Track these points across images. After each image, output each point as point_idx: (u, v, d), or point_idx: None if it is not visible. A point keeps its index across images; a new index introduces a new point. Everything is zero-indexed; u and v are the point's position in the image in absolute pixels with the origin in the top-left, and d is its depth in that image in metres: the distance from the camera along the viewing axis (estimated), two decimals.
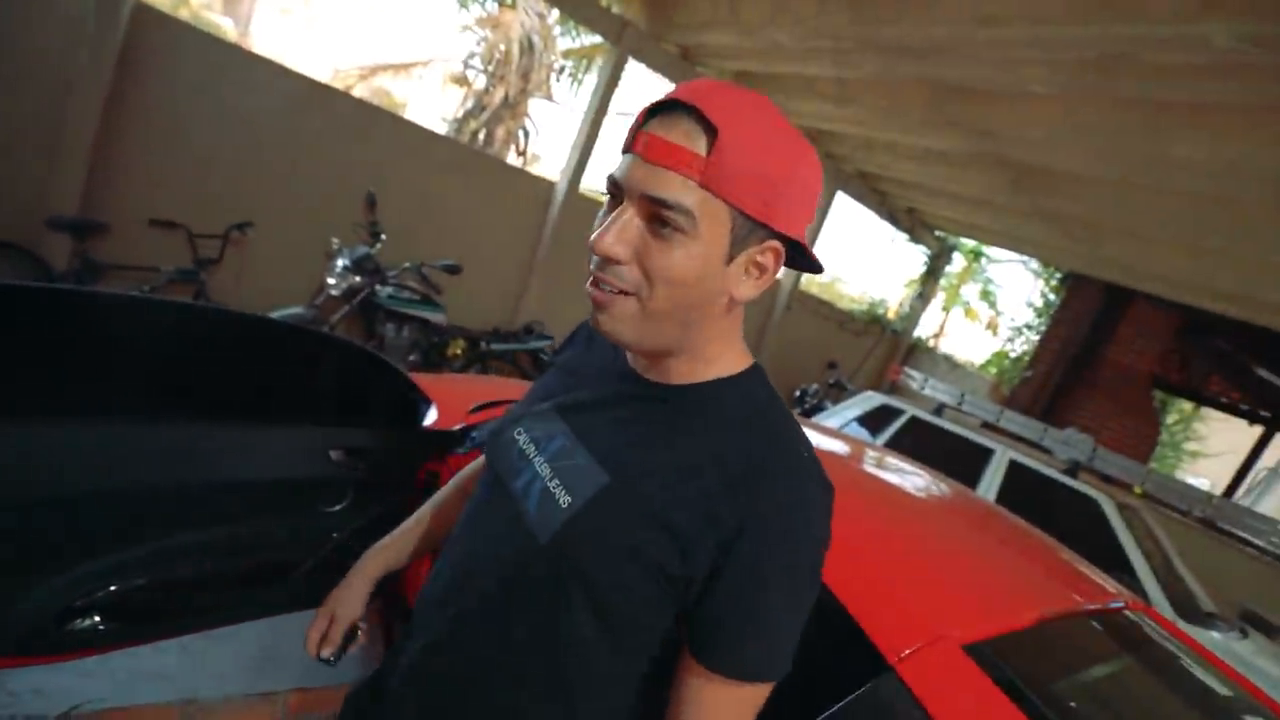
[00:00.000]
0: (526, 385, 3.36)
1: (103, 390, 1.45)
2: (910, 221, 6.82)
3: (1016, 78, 2.90)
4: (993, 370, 7.63)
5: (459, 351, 4.06)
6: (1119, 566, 3.23)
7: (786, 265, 0.65)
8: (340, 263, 3.50)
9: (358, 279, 3.50)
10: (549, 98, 7.65)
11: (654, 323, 0.60)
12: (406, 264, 3.66)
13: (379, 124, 3.82)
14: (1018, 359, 7.13)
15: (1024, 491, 3.69)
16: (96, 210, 3.11)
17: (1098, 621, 1.33)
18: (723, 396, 0.65)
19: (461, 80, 7.48)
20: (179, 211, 3.26)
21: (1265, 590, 4.91)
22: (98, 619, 1.28)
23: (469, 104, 7.25)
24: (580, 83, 8.14)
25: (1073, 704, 1.06)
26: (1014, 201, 4.66)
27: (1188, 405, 10.05)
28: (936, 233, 7.23)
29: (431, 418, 2.00)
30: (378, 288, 3.56)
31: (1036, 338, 7.08)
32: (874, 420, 4.43)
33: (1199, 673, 1.41)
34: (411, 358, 3.80)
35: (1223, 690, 1.37)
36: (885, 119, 4.21)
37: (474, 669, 0.67)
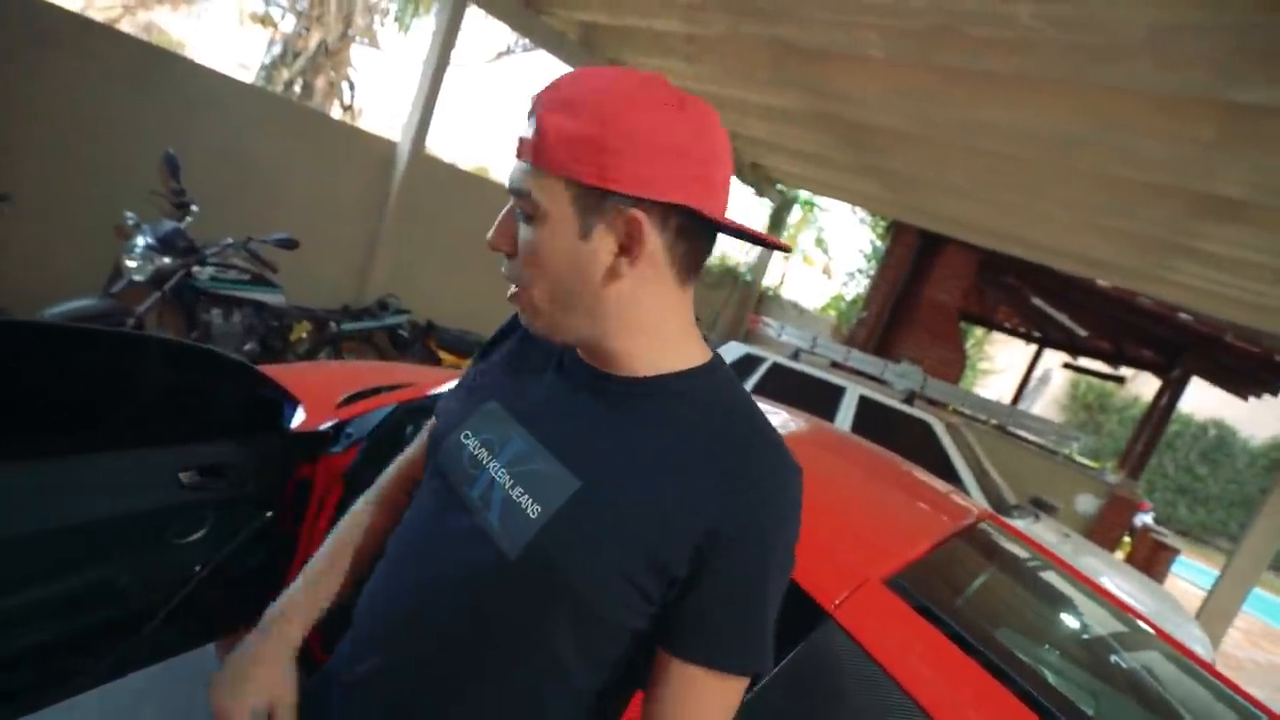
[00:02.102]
0: (394, 367, 3.09)
1: None
2: (755, 176, 7.16)
3: (854, 41, 3.09)
4: (832, 313, 8.38)
5: (304, 335, 3.63)
6: (948, 476, 3.76)
7: (730, 234, 0.61)
8: (141, 241, 2.93)
9: (167, 260, 2.96)
10: (375, 44, 6.90)
11: (553, 314, 0.60)
12: (229, 240, 3.15)
13: (171, 70, 3.19)
14: (853, 301, 7.89)
15: (872, 421, 4.12)
16: None
17: (967, 537, 1.52)
18: (687, 389, 0.62)
19: (265, 20, 6.49)
20: None
21: (1042, 478, 6.02)
22: None
23: (276, 48, 6.32)
24: (407, 27, 7.42)
25: (975, 617, 1.20)
26: (847, 157, 5.05)
27: (979, 331, 11.83)
28: (778, 186, 7.67)
29: (299, 418, 1.77)
30: (195, 269, 3.04)
31: (867, 281, 7.86)
32: (738, 369, 4.67)
33: (1041, 565, 1.68)
34: (248, 346, 3.34)
35: (1058, 577, 1.65)
36: (734, 77, 4.31)
37: (442, 696, 0.63)
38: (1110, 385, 13.67)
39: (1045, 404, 14.16)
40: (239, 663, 0.71)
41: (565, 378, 0.67)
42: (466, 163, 4.69)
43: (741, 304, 8.13)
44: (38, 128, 2.84)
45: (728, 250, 8.22)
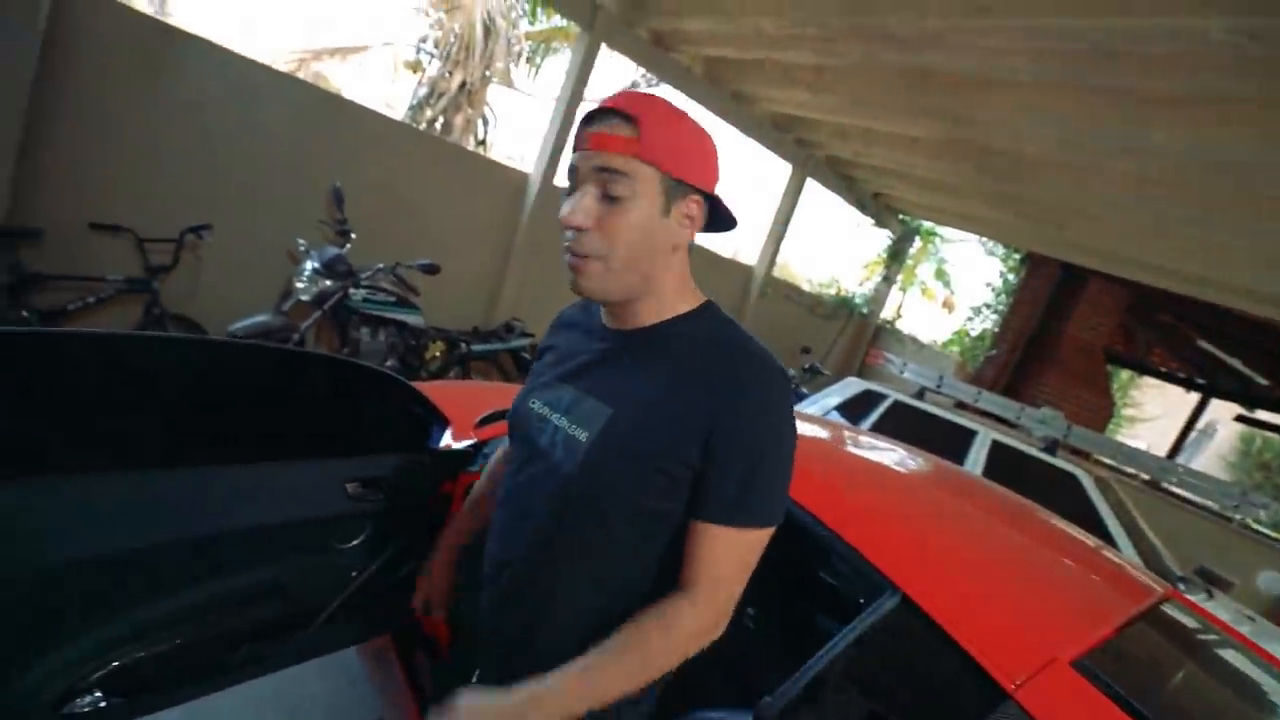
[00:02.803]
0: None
1: (84, 438, 1.28)
2: (876, 206, 6.91)
3: (1001, 67, 2.92)
4: (955, 348, 7.85)
5: (438, 354, 3.88)
6: (1100, 537, 3.36)
7: (708, 229, 0.86)
8: (309, 265, 3.27)
9: (329, 283, 3.28)
10: (509, 84, 7.38)
11: (619, 276, 0.79)
12: (380, 265, 3.45)
13: (341, 113, 3.57)
14: (979, 337, 7.36)
15: (1007, 470, 3.78)
16: (26, 216, 2.80)
17: (1152, 618, 1.33)
18: (689, 327, 0.83)
19: (415, 66, 7.13)
20: (123, 214, 2.98)
21: (1212, 548, 5.23)
22: (99, 695, 1.13)
23: (422, 90, 6.92)
24: (538, 68, 7.88)
25: (1172, 711, 1.05)
26: (981, 186, 4.75)
27: (1125, 373, 10.63)
28: (900, 216, 7.35)
29: (447, 437, 1.87)
30: (351, 291, 3.35)
31: (995, 316, 7.30)
32: (856, 406, 4.46)
33: (1238, 652, 1.44)
34: (389, 363, 3.61)
35: (1258, 667, 1.40)
36: (862, 106, 4.20)
37: (535, 573, 0.85)
38: None
39: (1208, 460, 12.40)
40: (424, 569, 1.22)
41: (594, 344, 0.88)
42: None
43: (856, 336, 7.81)
44: (229, 166, 3.26)
45: (842, 280, 7.96)
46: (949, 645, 0.98)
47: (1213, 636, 1.50)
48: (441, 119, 6.87)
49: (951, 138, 4.02)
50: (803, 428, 0.93)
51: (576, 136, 0.78)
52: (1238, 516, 5.43)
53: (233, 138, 3.23)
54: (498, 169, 4.44)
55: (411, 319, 3.64)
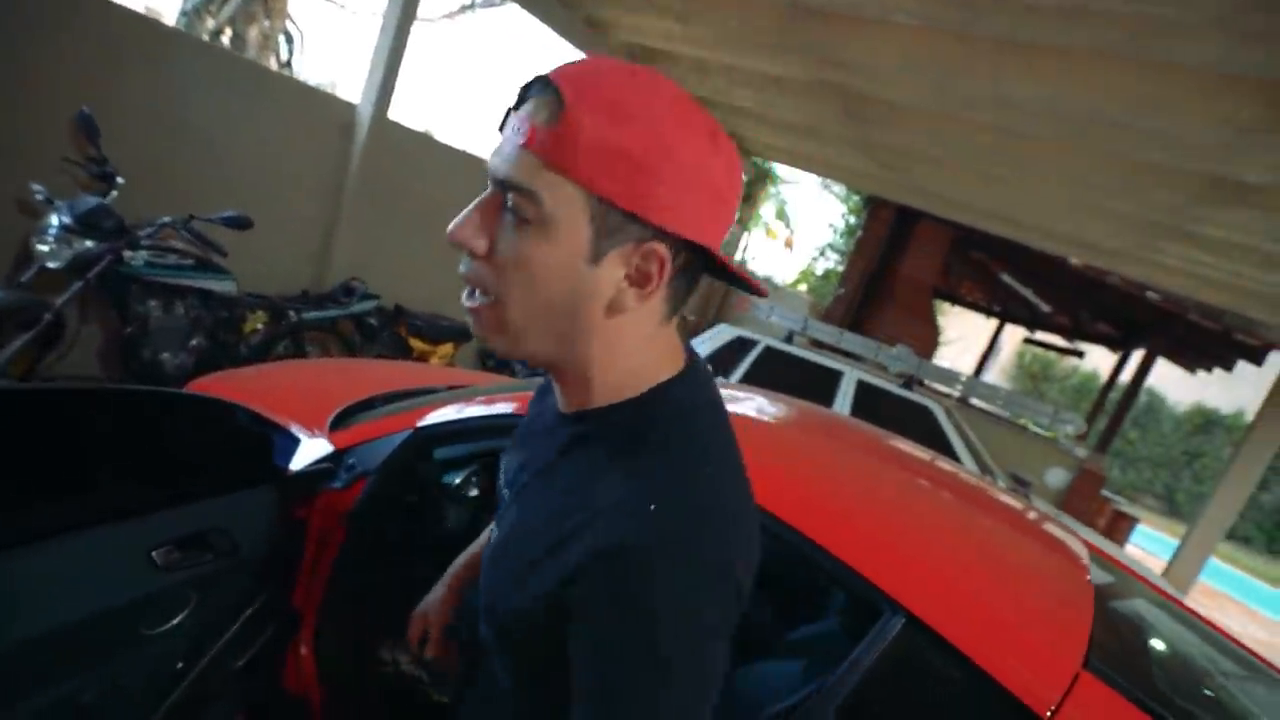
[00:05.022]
0: (385, 367, 2.74)
1: None
2: None
3: (881, 5, 2.83)
4: (802, 287, 8.27)
5: (259, 326, 3.19)
6: (950, 459, 3.69)
7: (710, 274, 0.57)
8: (56, 221, 2.44)
9: (89, 243, 2.48)
10: None
11: (519, 333, 0.53)
12: (167, 218, 2.68)
13: (80, 12, 2.64)
14: (824, 276, 7.80)
15: (869, 407, 4.00)
16: None
17: (1106, 589, 1.30)
18: (626, 419, 0.55)
19: None
20: None
21: (1013, 453, 6.13)
22: None
23: None
24: None
25: (1170, 691, 1.02)
26: (841, 130, 4.83)
27: (936, 302, 12.06)
28: (754, 159, 7.42)
29: (299, 453, 1.45)
30: (126, 254, 2.57)
31: (837, 256, 7.76)
32: (729, 354, 4.47)
33: (1156, 600, 1.49)
34: (194, 341, 2.89)
35: (1176, 616, 1.46)
36: (730, 42, 3.99)
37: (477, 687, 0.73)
38: (1052, 356, 14.28)
39: (995, 374, 14.69)
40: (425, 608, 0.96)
41: (540, 423, 0.66)
42: (431, 130, 4.22)
43: (711, 282, 7.91)
44: None
45: None
46: (972, 673, 0.86)
47: (1133, 586, 1.54)
48: (230, 31, 5.60)
49: (818, 80, 3.96)
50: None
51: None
52: (1050, 430, 6.38)
53: None
54: (318, 98, 3.65)
55: (218, 285, 2.92)
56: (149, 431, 1.14)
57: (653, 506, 0.48)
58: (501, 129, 0.52)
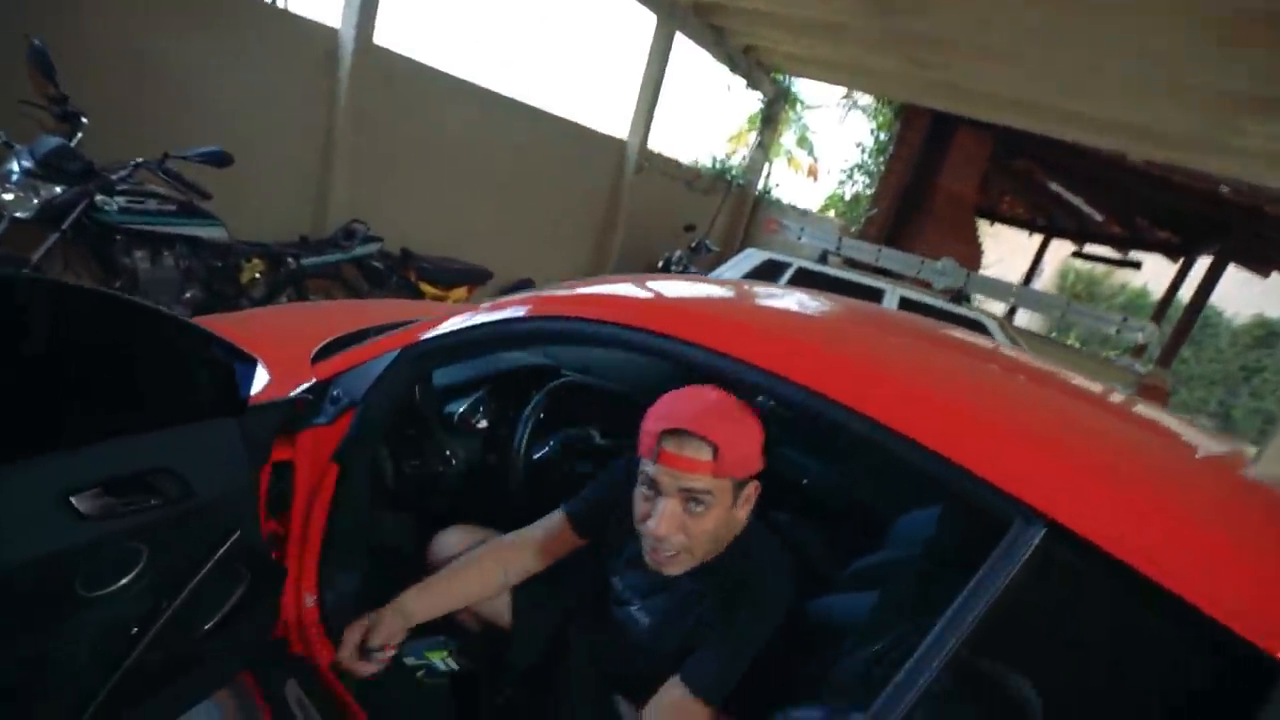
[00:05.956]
0: (370, 305, 2.50)
1: None
2: (748, 63, 6.37)
3: None
4: (831, 213, 7.81)
5: (257, 276, 3.00)
6: None
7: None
8: (19, 165, 2.24)
9: (57, 189, 2.28)
10: None
11: (700, 558, 1.02)
12: (139, 159, 2.46)
13: None
14: (853, 200, 7.32)
15: None
16: None
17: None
18: (715, 564, 1.05)
19: None
20: None
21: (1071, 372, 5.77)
22: None
23: None
24: None
25: None
26: (868, 24, 4.34)
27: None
28: (773, 75, 6.89)
29: (259, 382, 1.24)
30: (100, 199, 2.37)
31: (866, 178, 7.26)
32: (760, 277, 4.19)
33: None
34: (189, 294, 2.71)
35: None
36: None
37: None
38: (1098, 273, 13.54)
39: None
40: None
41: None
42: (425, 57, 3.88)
43: (736, 209, 7.50)
44: None
45: (716, 151, 7.48)
46: (1151, 598, 0.62)
47: None
48: None
49: None
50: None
51: (650, 446, 0.97)
52: (1116, 342, 5.94)
53: None
54: (291, 22, 3.35)
55: (207, 232, 2.72)
56: (82, 347, 0.92)
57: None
58: (660, 459, 0.96)
